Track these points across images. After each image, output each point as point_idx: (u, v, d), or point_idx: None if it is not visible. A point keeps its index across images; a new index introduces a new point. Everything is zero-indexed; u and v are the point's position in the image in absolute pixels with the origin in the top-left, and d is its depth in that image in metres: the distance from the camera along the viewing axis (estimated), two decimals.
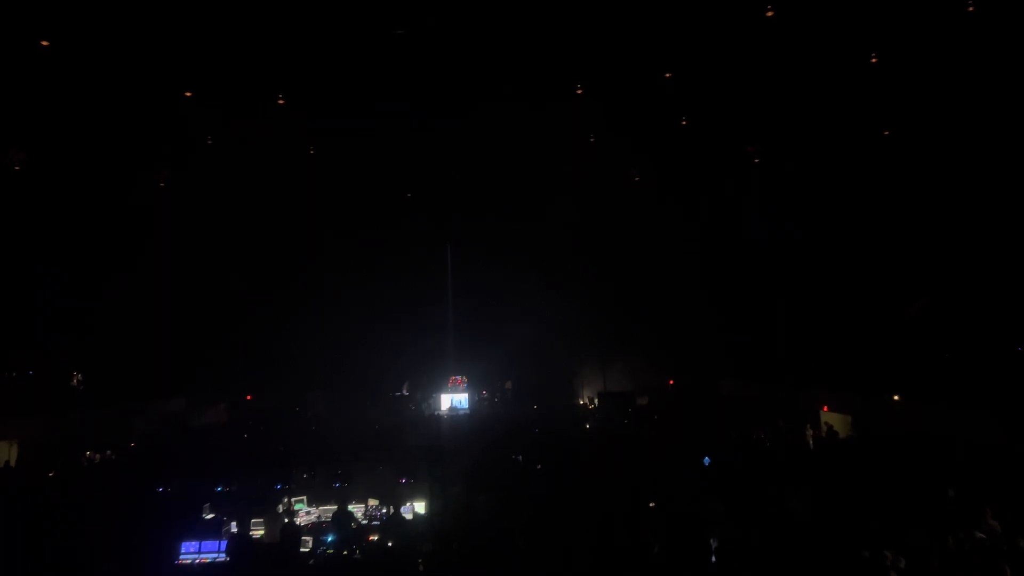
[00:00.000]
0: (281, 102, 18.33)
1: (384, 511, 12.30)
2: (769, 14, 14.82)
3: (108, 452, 18.53)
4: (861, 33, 15.61)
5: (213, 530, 11.00)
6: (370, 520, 12.20)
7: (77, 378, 23.67)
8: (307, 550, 10.63)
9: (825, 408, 20.19)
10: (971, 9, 14.16)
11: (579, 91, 18.42)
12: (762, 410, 20.52)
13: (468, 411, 27.32)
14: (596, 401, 27.39)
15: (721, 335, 25.40)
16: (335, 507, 11.97)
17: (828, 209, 21.46)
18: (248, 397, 27.15)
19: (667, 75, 17.76)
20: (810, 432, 17.99)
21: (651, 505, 10.57)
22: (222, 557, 10.12)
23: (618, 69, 17.53)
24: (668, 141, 21.43)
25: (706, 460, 14.19)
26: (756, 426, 18.43)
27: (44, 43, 14.53)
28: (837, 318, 21.45)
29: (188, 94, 17.69)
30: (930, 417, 15.84)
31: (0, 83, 15.36)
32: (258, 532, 11.62)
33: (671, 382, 28.25)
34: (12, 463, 18.03)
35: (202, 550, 10.29)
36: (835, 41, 15.63)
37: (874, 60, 16.49)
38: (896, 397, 17.79)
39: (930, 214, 18.29)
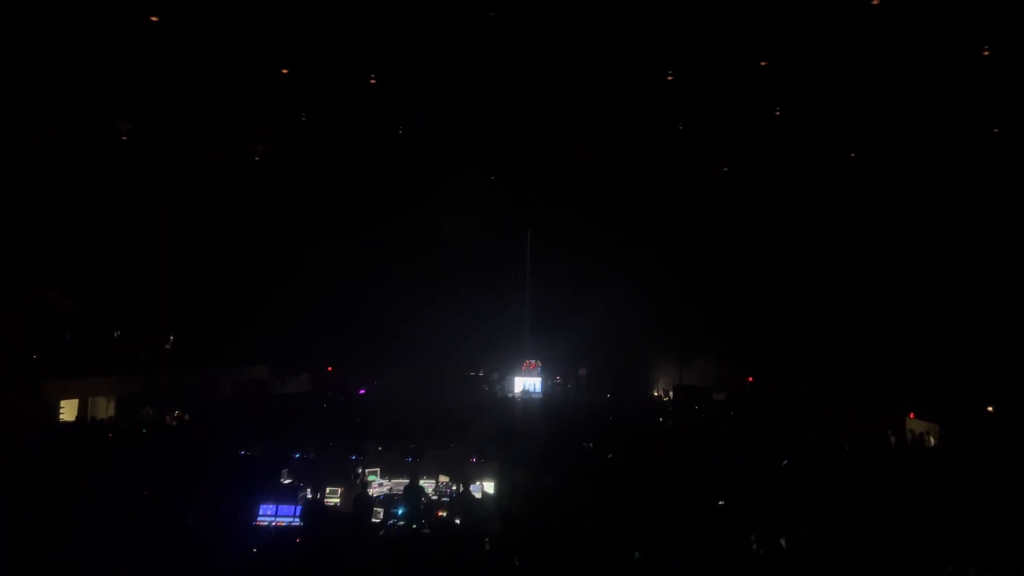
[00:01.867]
0: (372, 81, 18.62)
1: (454, 488, 12.46)
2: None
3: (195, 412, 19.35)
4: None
5: (290, 495, 11.35)
6: (440, 496, 12.36)
7: (170, 341, 24.87)
8: (378, 521, 10.85)
9: (912, 415, 19.41)
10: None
11: (669, 77, 18.08)
12: (844, 413, 19.89)
13: (541, 395, 27.40)
14: (671, 394, 27.04)
15: (805, 334, 24.68)
16: (407, 481, 12.19)
17: (927, 208, 20.56)
18: (329, 369, 27.92)
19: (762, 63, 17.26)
20: (893, 439, 17.31)
21: (720, 503, 10.38)
22: (296, 522, 10.44)
23: (705, 56, 17.13)
24: (754, 131, 20.85)
25: (784, 463, 13.84)
26: (837, 429, 17.85)
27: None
28: (931, 324, 20.56)
29: (284, 71, 18.13)
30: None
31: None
32: (332, 500, 11.95)
33: (750, 379, 27.64)
34: (108, 417, 19.10)
35: (279, 514, 10.63)
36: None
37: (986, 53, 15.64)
38: (990, 408, 16.98)
39: None
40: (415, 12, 15.11)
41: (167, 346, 25.10)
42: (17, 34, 14.49)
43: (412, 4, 14.99)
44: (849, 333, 23.49)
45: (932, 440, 17.52)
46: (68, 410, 19.41)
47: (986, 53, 15.15)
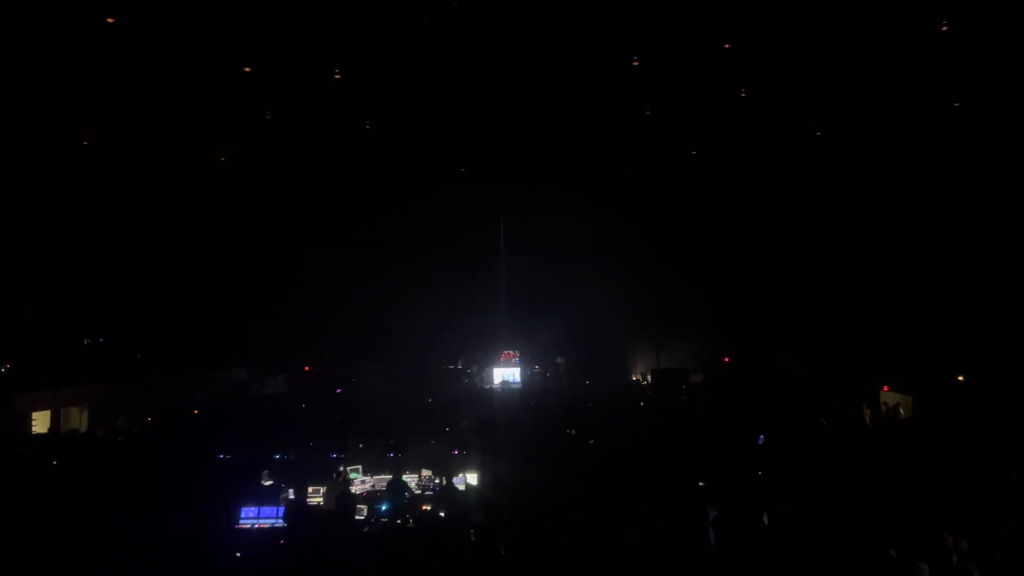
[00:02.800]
0: (337, 76, 18.41)
1: (437, 482, 12.46)
2: None
3: (172, 418, 19.11)
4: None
5: (271, 497, 11.27)
6: (423, 490, 12.37)
7: (145, 347, 24.53)
8: (362, 518, 10.82)
9: (886, 388, 19.69)
10: None
11: (635, 63, 18.06)
12: (819, 388, 20.14)
13: (520, 385, 27.43)
14: (649, 378, 27.21)
15: (778, 311, 24.94)
16: (389, 476, 12.17)
17: (892, 181, 20.79)
18: (306, 368, 27.74)
19: (727, 46, 17.29)
20: (867, 412, 17.53)
21: (700, 484, 10.45)
22: (280, 523, 10.37)
23: (673, 42, 17.11)
24: (724, 115, 20.92)
25: (760, 438, 13.99)
26: (814, 405, 18.05)
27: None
28: (902, 295, 20.86)
29: (247, 69, 17.88)
30: (996, 400, 15.32)
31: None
32: (315, 500, 11.89)
33: (726, 359, 27.90)
34: (81, 428, 18.79)
35: (261, 516, 10.57)
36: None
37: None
38: (961, 378, 17.26)
39: (1007, 191, 17.57)
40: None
41: (139, 354, 24.72)
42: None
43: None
44: (823, 309, 23.76)
45: (904, 412, 17.80)
46: (40, 422, 19.07)
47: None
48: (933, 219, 19.67)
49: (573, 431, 15.57)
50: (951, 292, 19.10)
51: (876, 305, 21.94)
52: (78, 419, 19.91)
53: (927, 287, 19.94)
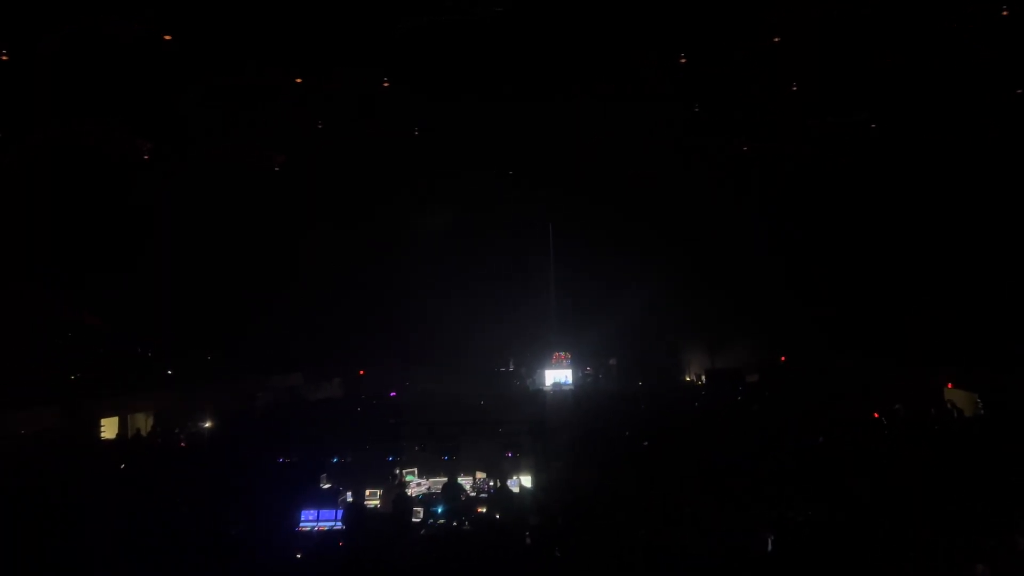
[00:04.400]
0: (386, 84, 18.63)
1: (491, 484, 12.51)
2: None
3: (232, 423, 19.57)
4: None
5: (330, 499, 11.47)
6: (478, 492, 12.43)
7: (207, 354, 25.18)
8: (418, 520, 10.94)
9: (950, 385, 19.10)
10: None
11: (683, 60, 17.90)
12: (881, 387, 19.62)
13: (572, 387, 27.37)
14: (703, 379, 26.87)
15: (837, 309, 24.41)
16: (444, 479, 12.26)
17: (953, 173, 20.22)
18: (361, 372, 28.12)
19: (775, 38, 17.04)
20: (932, 410, 17.04)
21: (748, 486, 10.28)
22: (339, 525, 10.55)
23: (718, 40, 16.94)
24: (771, 112, 20.60)
25: (820, 439, 13.71)
26: (874, 406, 17.61)
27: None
28: (965, 289, 20.25)
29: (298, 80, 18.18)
30: None
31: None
32: (372, 502, 12.05)
33: (783, 359, 27.38)
34: (144, 432, 19.38)
35: (320, 518, 10.75)
36: None
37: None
38: None
39: None
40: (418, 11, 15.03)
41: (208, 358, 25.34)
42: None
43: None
44: (880, 306, 23.19)
45: (972, 410, 17.25)
46: (108, 428, 19.73)
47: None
48: (996, 213, 19.11)
49: (627, 433, 15.47)
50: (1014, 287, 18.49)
51: (937, 302, 21.34)
52: (144, 424, 20.56)
53: (989, 283, 19.34)
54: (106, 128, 18.65)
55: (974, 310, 19.78)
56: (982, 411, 17.19)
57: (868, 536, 7.67)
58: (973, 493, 9.00)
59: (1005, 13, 13.90)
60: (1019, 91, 17.30)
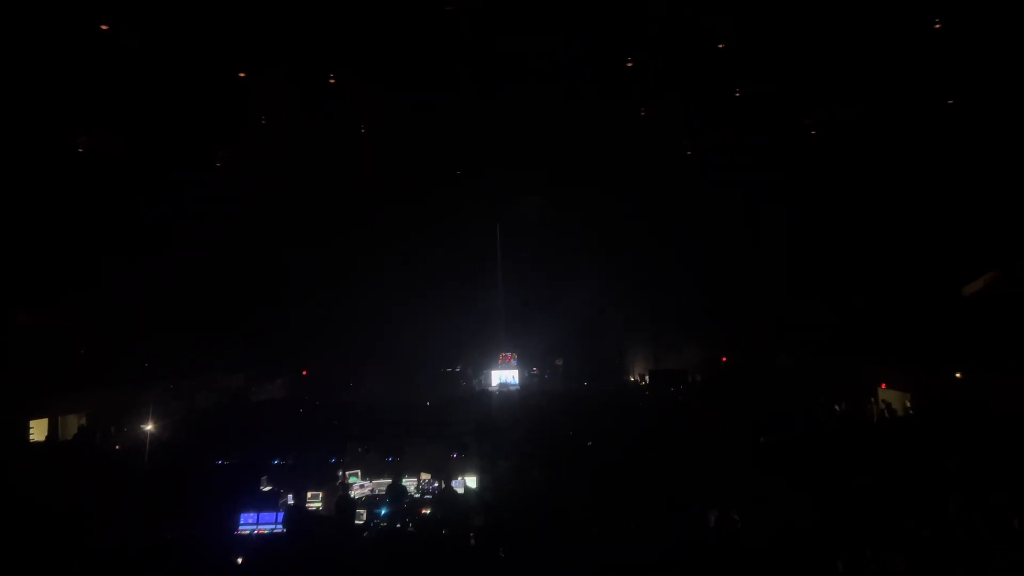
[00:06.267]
0: (332, 81, 18.40)
1: (436, 485, 12.44)
2: None
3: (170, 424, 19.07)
4: None
5: (270, 502, 11.25)
6: (423, 494, 12.35)
7: (142, 354, 24.44)
8: (361, 522, 10.80)
9: (883, 386, 19.72)
10: None
11: (629, 64, 18.09)
12: (819, 385, 20.14)
13: (518, 387, 27.43)
14: (647, 379, 27.22)
15: (776, 310, 24.95)
16: (388, 481, 12.15)
17: (888, 178, 20.82)
18: (304, 373, 27.70)
19: (720, 46, 17.34)
20: (873, 409, 17.58)
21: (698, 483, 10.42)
22: (279, 528, 10.35)
23: (670, 38, 17.15)
24: (720, 112, 20.94)
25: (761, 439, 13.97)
26: (814, 403, 18.06)
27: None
28: (898, 290, 20.89)
29: (242, 75, 17.88)
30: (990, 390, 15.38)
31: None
32: (314, 505, 11.86)
33: (723, 359, 27.91)
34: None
35: (260, 521, 10.54)
36: None
37: None
38: (958, 374, 17.28)
39: (997, 185, 17.61)
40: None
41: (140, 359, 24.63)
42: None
43: None
44: (821, 308, 23.76)
45: (901, 410, 17.82)
46: (37, 430, 19.00)
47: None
48: (931, 215, 19.71)
49: (571, 433, 15.54)
50: (946, 288, 19.11)
51: (874, 301, 21.95)
52: (76, 426, 19.85)
53: (923, 284, 19.95)
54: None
55: (906, 312, 20.40)
56: (911, 411, 17.77)
57: (805, 530, 7.83)
58: (897, 488, 9.30)
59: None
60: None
